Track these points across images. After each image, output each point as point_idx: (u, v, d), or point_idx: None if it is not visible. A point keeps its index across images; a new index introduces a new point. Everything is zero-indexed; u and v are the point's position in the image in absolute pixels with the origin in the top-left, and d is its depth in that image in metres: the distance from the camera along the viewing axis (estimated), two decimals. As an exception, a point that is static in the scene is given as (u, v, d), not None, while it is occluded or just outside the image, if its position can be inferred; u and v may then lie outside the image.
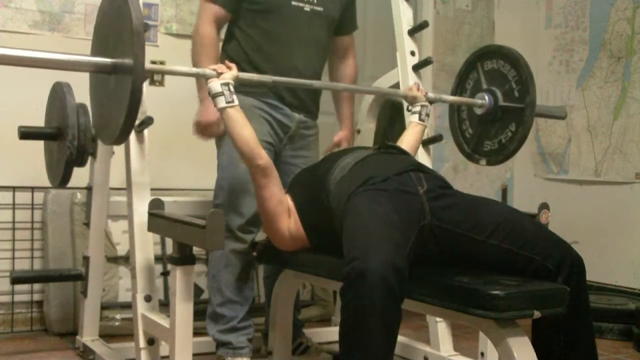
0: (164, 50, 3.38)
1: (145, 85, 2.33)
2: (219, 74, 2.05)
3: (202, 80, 2.37)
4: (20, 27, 3.11)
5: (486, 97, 2.50)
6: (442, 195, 1.97)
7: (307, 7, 2.45)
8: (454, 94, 2.64)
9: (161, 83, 3.39)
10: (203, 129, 2.40)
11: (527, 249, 1.80)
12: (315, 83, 2.37)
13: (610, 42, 3.80)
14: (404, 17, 2.72)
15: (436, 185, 1.99)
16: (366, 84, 3.03)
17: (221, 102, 2.03)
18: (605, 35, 3.82)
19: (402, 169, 2.01)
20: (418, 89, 2.47)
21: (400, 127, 2.76)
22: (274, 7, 2.42)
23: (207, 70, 2.06)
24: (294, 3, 2.43)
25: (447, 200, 1.95)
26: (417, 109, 2.45)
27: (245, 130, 2.04)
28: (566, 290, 1.70)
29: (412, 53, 2.71)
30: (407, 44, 2.70)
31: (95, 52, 1.98)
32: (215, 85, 2.03)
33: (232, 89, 2.04)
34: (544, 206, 2.36)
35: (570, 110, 3.98)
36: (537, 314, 1.64)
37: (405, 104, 2.70)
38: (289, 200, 2.18)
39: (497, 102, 2.47)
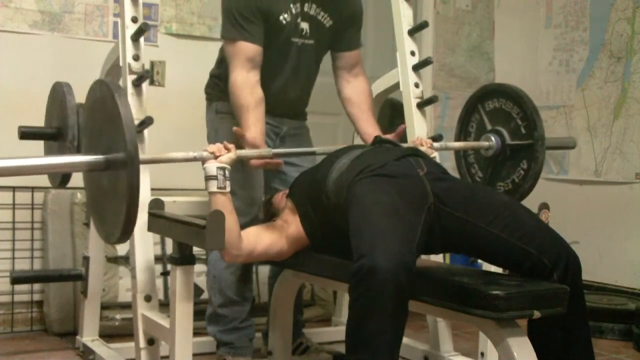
0: (164, 50, 3.38)
1: (145, 85, 2.34)
2: (216, 157, 1.98)
3: (242, 118, 2.27)
4: (20, 27, 3.11)
5: (492, 138, 2.44)
6: (443, 178, 1.98)
7: (300, 42, 2.43)
8: (457, 139, 2.58)
9: (161, 83, 3.39)
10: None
11: (525, 242, 1.80)
12: (317, 150, 2.33)
13: (610, 42, 3.80)
14: (404, 17, 2.72)
15: (436, 169, 2.01)
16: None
17: (213, 186, 1.96)
18: (605, 35, 3.82)
19: (400, 154, 2.02)
20: (422, 143, 2.39)
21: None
22: (279, 46, 2.39)
23: (204, 154, 1.99)
24: (293, 40, 2.40)
25: (448, 184, 1.96)
26: None
27: (230, 219, 1.95)
28: (566, 291, 1.70)
29: (412, 53, 2.71)
30: (407, 44, 2.70)
31: (85, 149, 1.92)
32: (211, 167, 1.97)
33: (227, 174, 1.98)
34: (544, 206, 2.36)
35: (570, 110, 3.98)
36: (537, 314, 1.64)
37: (404, 104, 2.71)
38: (288, 203, 2.18)
39: (505, 142, 2.42)
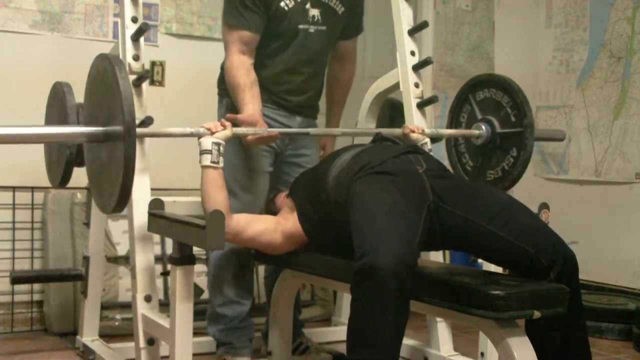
0: (164, 50, 3.38)
1: (145, 85, 2.34)
2: (212, 134, 2.05)
3: (239, 96, 2.32)
4: (20, 27, 3.11)
5: (483, 127, 2.50)
6: (443, 175, 2.00)
7: (312, 29, 2.45)
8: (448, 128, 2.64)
9: (161, 83, 3.39)
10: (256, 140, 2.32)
11: (523, 241, 1.81)
12: (311, 131, 2.43)
13: (610, 42, 3.80)
14: (404, 17, 2.72)
15: (435, 167, 2.01)
16: (366, 84, 3.03)
17: (206, 160, 2.03)
18: (605, 35, 3.82)
19: (399, 152, 2.04)
20: (413, 129, 2.41)
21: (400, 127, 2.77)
22: (283, 32, 2.41)
23: (201, 130, 2.06)
24: (301, 27, 2.42)
25: (447, 181, 1.97)
26: None
27: (219, 194, 2.02)
28: (566, 291, 1.70)
29: (412, 53, 2.71)
30: (407, 44, 2.70)
31: (87, 121, 1.97)
32: (206, 142, 2.04)
33: (221, 150, 2.04)
34: (544, 206, 2.37)
35: (570, 110, 3.98)
36: (537, 314, 1.64)
37: (404, 104, 2.71)
38: (288, 201, 2.18)
39: (495, 130, 2.48)
